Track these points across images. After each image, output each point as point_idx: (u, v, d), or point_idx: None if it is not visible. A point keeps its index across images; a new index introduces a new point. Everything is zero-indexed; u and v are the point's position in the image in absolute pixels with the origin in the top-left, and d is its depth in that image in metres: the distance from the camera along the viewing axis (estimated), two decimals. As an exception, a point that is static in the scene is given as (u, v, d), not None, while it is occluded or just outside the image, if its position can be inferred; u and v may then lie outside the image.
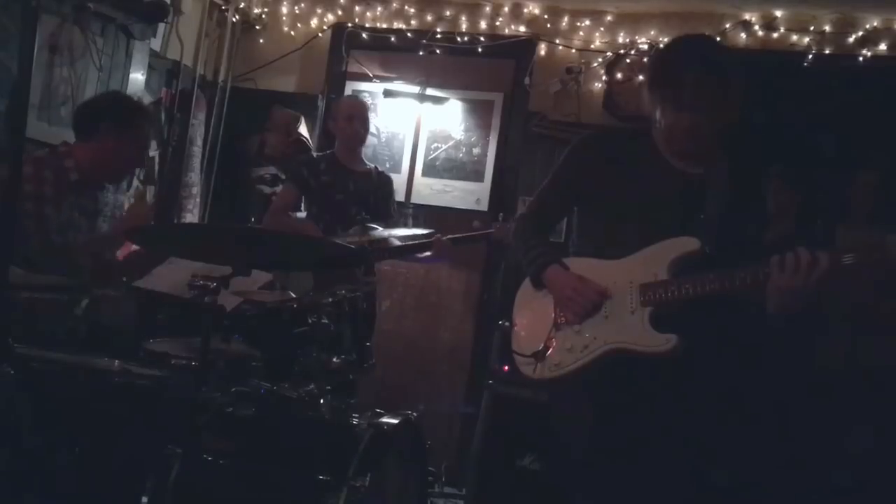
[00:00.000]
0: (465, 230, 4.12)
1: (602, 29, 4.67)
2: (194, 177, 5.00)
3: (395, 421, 2.39)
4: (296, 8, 5.22)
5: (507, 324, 2.51)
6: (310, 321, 2.59)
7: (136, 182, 4.72)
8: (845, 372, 3.44)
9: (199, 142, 5.04)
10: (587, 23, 4.70)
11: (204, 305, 2.11)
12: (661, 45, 4.31)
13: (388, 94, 5.32)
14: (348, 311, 2.71)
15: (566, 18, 4.74)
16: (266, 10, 5.27)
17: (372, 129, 4.62)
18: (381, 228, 3.89)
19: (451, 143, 5.25)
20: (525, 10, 4.81)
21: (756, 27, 4.41)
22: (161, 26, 4.68)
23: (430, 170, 5.28)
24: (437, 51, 4.94)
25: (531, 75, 4.78)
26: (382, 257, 4.06)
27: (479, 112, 5.21)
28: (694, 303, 2.18)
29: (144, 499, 2.03)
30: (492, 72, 5.09)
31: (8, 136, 3.10)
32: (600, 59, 4.66)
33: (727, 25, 4.44)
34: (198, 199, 5.03)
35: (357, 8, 5.10)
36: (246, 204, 5.01)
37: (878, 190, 3.74)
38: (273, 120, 5.02)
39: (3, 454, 2.07)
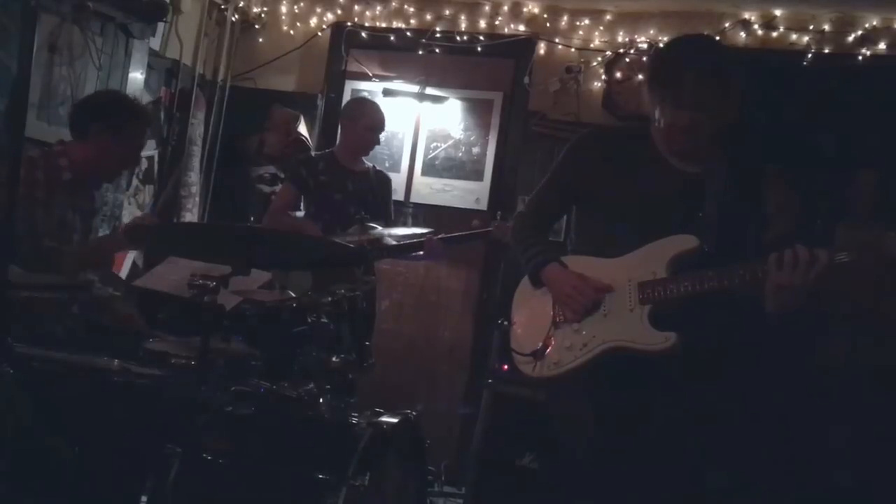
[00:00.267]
0: (464, 229, 4.12)
1: (601, 28, 4.67)
2: (194, 176, 4.99)
3: (395, 420, 2.39)
4: (295, 7, 5.21)
5: (506, 323, 2.51)
6: (309, 320, 2.60)
7: (135, 181, 4.72)
8: (845, 372, 3.44)
9: (199, 141, 5.04)
10: (586, 22, 4.70)
11: (203, 305, 2.12)
12: (661, 45, 4.32)
13: (387, 93, 5.31)
14: (348, 311, 2.71)
15: (565, 17, 4.74)
16: (265, 9, 5.27)
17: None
18: (379, 228, 3.88)
19: (450, 142, 5.25)
20: (524, 10, 4.81)
21: (755, 26, 4.41)
22: (160, 25, 4.67)
23: (430, 169, 5.28)
24: (437, 50, 4.94)
25: (530, 74, 4.78)
26: (381, 256, 4.06)
27: (478, 111, 5.21)
28: (693, 301, 2.18)
29: (144, 498, 2.03)
30: (491, 71, 5.09)
31: (7, 136, 3.10)
32: (600, 59, 4.66)
33: (726, 24, 4.43)
34: (197, 199, 5.03)
35: (356, 7, 5.10)
36: (245, 203, 5.01)
37: (878, 189, 3.74)
38: (272, 119, 5.02)
39: (3, 453, 2.07)
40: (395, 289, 5.24)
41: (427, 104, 5.29)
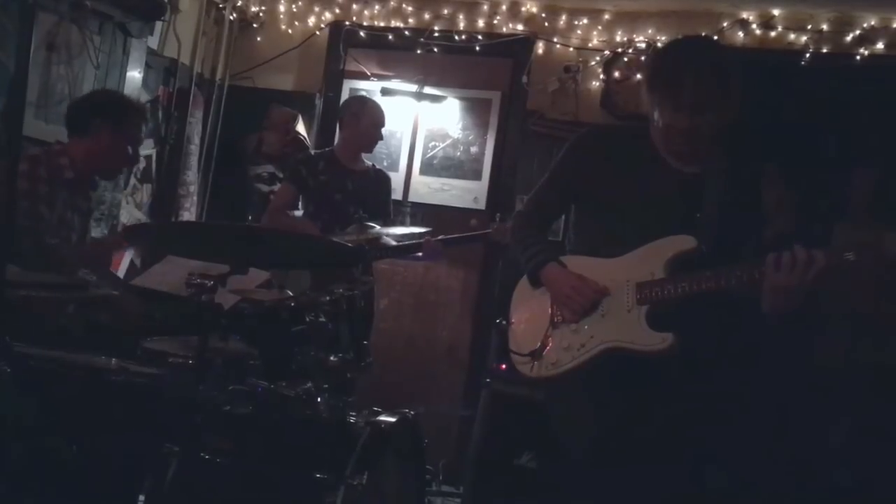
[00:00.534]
0: (462, 229, 4.12)
1: (600, 27, 4.67)
2: (192, 175, 4.99)
3: (393, 419, 2.39)
4: (293, 6, 5.21)
5: (504, 322, 2.50)
6: (307, 320, 2.59)
7: (132, 180, 4.71)
8: (845, 371, 3.44)
9: (197, 140, 5.03)
10: (585, 21, 4.70)
11: (202, 304, 2.11)
12: (660, 45, 4.33)
13: (385, 92, 5.31)
14: (346, 310, 2.71)
15: (564, 17, 4.74)
16: (264, 8, 5.27)
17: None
18: (378, 227, 3.88)
19: (448, 141, 5.24)
20: (523, 9, 4.81)
21: (754, 26, 4.41)
22: (158, 24, 4.67)
23: (428, 168, 5.27)
24: (435, 49, 4.93)
25: (529, 74, 4.78)
26: (380, 256, 4.06)
27: (476, 110, 5.20)
28: (691, 301, 2.18)
29: (141, 497, 2.02)
30: (489, 70, 5.08)
31: (5, 135, 3.10)
32: (598, 58, 4.66)
33: (725, 24, 4.43)
34: (195, 198, 5.03)
35: (355, 6, 5.09)
36: (244, 202, 5.00)
37: (877, 188, 3.74)
38: (271, 118, 5.01)
39: (1, 453, 2.06)
40: (394, 288, 5.24)
41: (425, 103, 5.28)
